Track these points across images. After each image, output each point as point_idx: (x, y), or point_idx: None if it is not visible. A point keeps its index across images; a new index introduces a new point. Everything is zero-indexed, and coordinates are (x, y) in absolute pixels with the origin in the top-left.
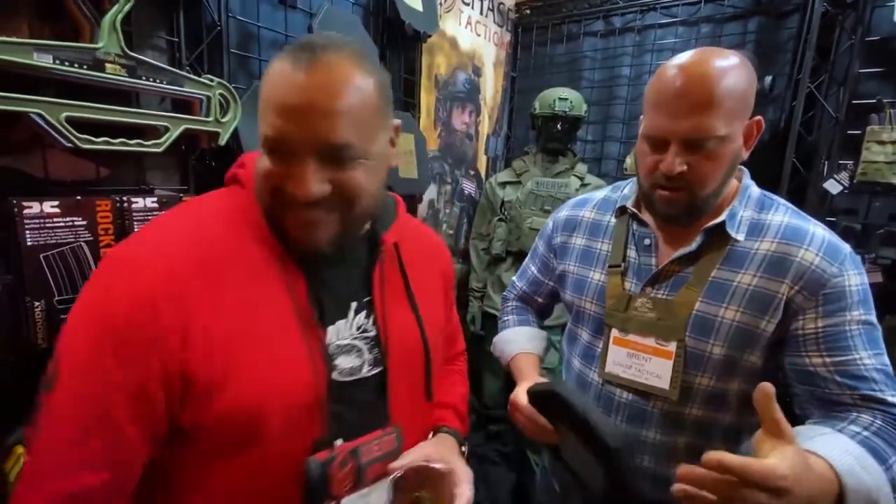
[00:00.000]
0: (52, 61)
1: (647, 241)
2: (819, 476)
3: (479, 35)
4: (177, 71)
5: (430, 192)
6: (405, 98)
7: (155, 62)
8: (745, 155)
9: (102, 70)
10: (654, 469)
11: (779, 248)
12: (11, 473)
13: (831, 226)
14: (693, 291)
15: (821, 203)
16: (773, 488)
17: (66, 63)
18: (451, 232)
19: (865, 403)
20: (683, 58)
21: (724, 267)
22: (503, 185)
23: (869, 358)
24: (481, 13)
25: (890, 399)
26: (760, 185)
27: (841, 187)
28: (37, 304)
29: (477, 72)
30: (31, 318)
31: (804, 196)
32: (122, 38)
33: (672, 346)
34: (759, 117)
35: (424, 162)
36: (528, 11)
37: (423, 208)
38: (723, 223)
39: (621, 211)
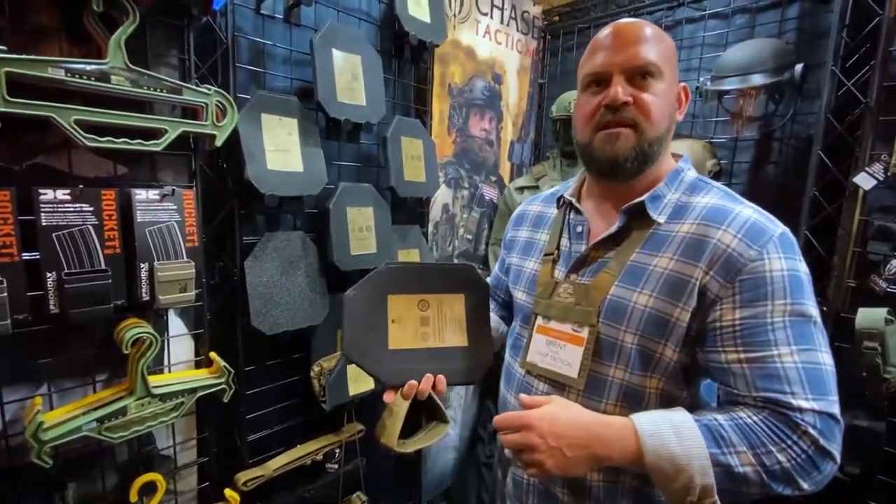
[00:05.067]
0: (64, 74)
1: (579, 229)
2: (607, 423)
3: (499, 43)
4: (175, 81)
5: (445, 197)
6: (417, 106)
7: (154, 74)
8: (679, 117)
9: (108, 81)
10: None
11: (697, 230)
12: (29, 422)
13: (863, 225)
14: (610, 275)
15: (854, 200)
16: (517, 426)
17: (77, 76)
18: (469, 237)
19: (766, 407)
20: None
21: (643, 251)
22: (520, 189)
23: (791, 354)
24: (502, 22)
25: (794, 402)
26: (789, 184)
27: (875, 181)
28: (49, 274)
29: (497, 79)
30: (44, 286)
31: (838, 194)
32: (125, 54)
33: (585, 333)
34: (684, 83)
35: (433, 167)
36: (556, 18)
37: (436, 212)
38: (643, 204)
39: (561, 202)
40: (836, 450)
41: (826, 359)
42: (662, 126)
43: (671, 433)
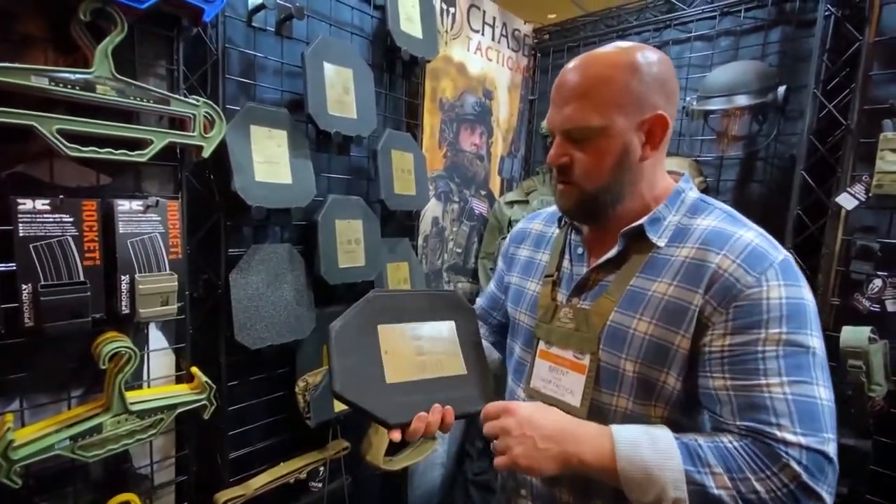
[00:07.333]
0: (47, 83)
1: (580, 251)
2: (585, 426)
3: (490, 60)
4: (162, 92)
5: (435, 210)
6: (408, 120)
7: (141, 84)
8: (650, 154)
9: (94, 91)
10: None
11: (697, 255)
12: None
13: (846, 244)
14: (610, 301)
15: (837, 220)
16: (499, 411)
17: (61, 85)
18: (458, 250)
19: (749, 436)
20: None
21: (642, 275)
22: (510, 204)
23: (780, 385)
24: (493, 39)
25: (778, 434)
26: (773, 202)
27: (856, 201)
28: (24, 286)
29: (488, 95)
30: (19, 298)
31: (821, 213)
32: (112, 63)
33: (586, 360)
34: (660, 112)
35: (423, 180)
36: (546, 36)
37: (426, 225)
38: (642, 227)
39: (562, 221)
40: (825, 491)
41: (823, 393)
42: (603, 178)
43: (647, 443)
